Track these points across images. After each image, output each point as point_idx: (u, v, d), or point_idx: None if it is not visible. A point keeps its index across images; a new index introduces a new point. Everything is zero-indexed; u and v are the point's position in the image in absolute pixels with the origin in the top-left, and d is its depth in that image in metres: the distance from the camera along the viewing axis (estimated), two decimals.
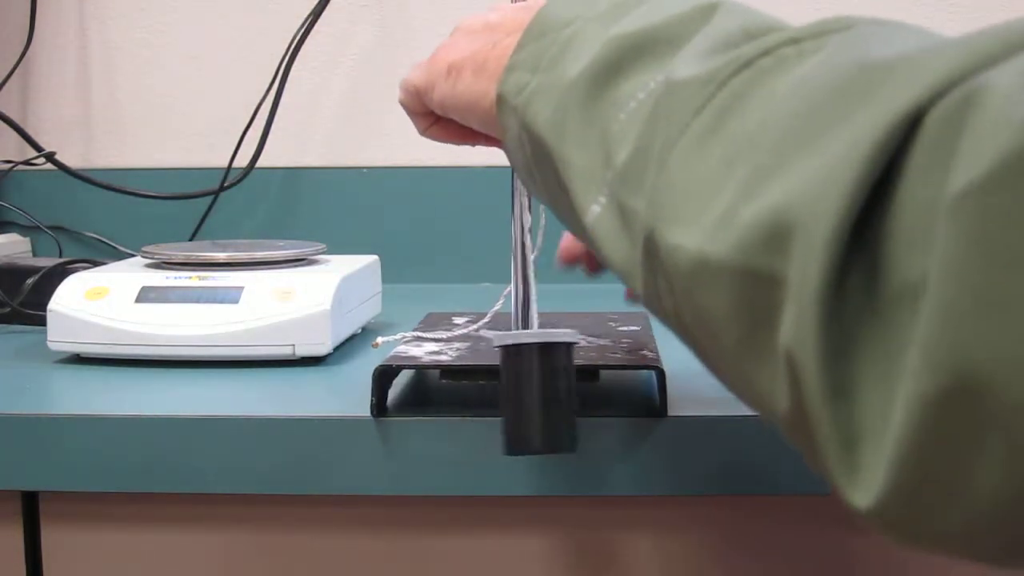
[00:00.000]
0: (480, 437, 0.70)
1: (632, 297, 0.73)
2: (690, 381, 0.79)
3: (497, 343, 0.64)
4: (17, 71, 1.30)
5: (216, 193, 1.28)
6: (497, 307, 0.80)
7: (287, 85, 1.28)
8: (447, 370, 0.75)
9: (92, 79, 1.33)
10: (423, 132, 0.68)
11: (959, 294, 0.32)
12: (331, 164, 1.33)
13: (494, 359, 0.64)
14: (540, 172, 0.56)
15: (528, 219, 0.70)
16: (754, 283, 0.40)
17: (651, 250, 0.46)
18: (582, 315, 0.91)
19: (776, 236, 0.38)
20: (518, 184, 0.69)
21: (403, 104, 0.67)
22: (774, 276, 0.38)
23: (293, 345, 0.84)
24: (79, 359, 0.87)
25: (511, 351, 0.63)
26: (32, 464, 0.72)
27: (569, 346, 0.64)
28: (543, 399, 0.63)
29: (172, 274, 0.89)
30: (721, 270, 0.41)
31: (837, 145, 0.37)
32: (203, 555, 0.75)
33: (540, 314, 0.70)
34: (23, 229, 1.31)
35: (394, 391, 0.77)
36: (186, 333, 0.84)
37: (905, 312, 0.35)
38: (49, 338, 0.86)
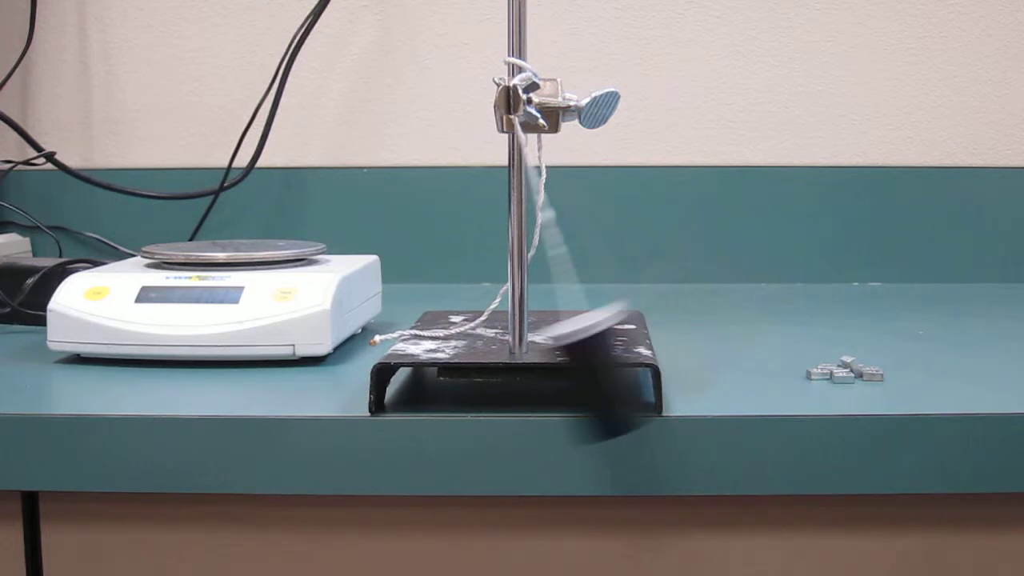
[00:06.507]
0: (477, 435, 0.70)
1: None
2: (685, 380, 0.80)
3: (560, 340, 0.65)
4: (17, 71, 1.31)
5: (216, 193, 1.28)
6: (494, 305, 0.80)
7: (287, 85, 1.28)
8: (445, 367, 0.75)
9: (92, 79, 1.33)
10: None
11: None
12: (331, 164, 1.33)
13: (491, 357, 0.64)
14: None
15: (525, 218, 0.70)
16: None
17: None
18: (577, 313, 0.91)
19: None
20: (515, 183, 0.69)
21: None
22: None
23: (293, 345, 0.84)
24: (79, 359, 0.87)
25: (585, 344, 0.65)
26: (32, 464, 0.72)
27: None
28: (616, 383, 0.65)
29: (172, 274, 0.90)
30: None
31: None
32: (203, 555, 0.75)
33: (534, 312, 0.71)
34: (23, 229, 1.31)
35: (392, 389, 0.77)
36: (186, 333, 0.84)
37: None
38: (49, 338, 0.86)
